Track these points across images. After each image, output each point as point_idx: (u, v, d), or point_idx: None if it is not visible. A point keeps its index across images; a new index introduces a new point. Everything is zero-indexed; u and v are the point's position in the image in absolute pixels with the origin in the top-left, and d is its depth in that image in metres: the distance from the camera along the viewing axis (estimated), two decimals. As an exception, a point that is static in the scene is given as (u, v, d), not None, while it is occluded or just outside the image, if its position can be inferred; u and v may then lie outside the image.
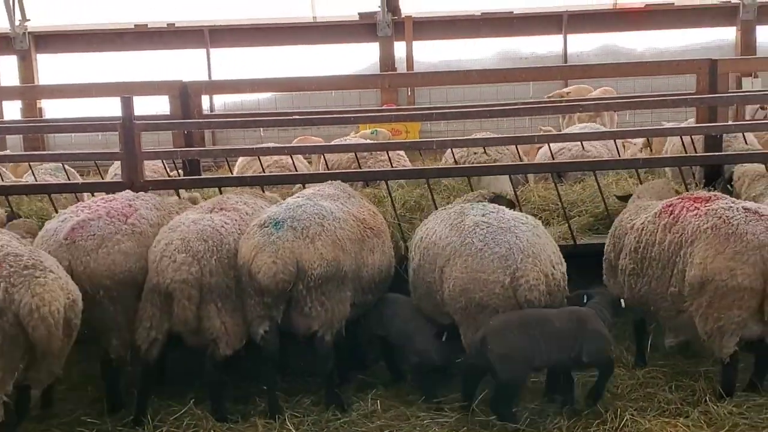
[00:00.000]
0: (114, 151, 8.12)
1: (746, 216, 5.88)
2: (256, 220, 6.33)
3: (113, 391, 6.39)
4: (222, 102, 19.27)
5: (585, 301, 6.21)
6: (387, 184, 8.17)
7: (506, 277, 5.83)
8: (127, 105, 7.65)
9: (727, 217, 5.90)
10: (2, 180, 9.63)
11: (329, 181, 7.29)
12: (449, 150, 9.75)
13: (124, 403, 6.40)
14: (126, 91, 8.40)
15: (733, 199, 6.37)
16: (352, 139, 11.50)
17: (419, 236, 6.62)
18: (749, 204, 6.17)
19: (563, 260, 6.16)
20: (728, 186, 7.67)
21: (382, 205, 7.98)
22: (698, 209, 6.10)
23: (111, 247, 6.15)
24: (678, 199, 6.45)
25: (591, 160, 8.99)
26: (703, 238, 5.88)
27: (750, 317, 5.82)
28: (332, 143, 10.89)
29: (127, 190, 7.17)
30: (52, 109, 19.09)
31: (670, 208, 6.29)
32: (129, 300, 6.21)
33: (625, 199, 7.30)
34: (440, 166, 9.30)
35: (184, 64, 20.29)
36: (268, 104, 18.71)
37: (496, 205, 6.55)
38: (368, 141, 11.61)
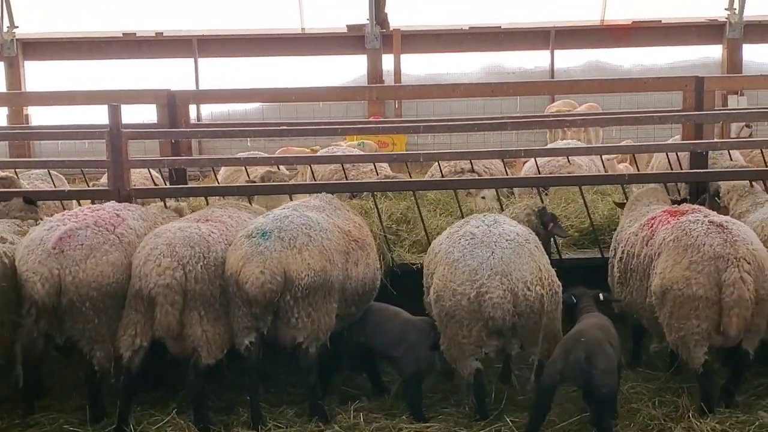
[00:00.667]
0: (101, 159, 8.09)
1: (708, 228, 6.04)
2: (243, 230, 6.34)
3: (96, 402, 6.34)
4: (209, 111, 19.22)
5: (575, 302, 6.28)
6: (374, 196, 8.17)
7: (473, 290, 5.86)
8: (114, 113, 7.64)
9: (689, 229, 6.07)
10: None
11: (316, 193, 7.32)
12: (435, 163, 9.80)
13: (107, 413, 6.37)
14: (113, 99, 8.40)
15: (708, 212, 6.50)
16: (339, 148, 11.51)
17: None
18: (717, 218, 6.30)
19: (551, 283, 6.10)
20: (716, 199, 7.72)
21: (369, 216, 7.98)
22: (669, 222, 6.30)
23: (99, 257, 6.10)
24: (662, 211, 6.61)
25: (577, 175, 9.04)
26: (666, 250, 6.09)
27: (712, 328, 5.89)
28: (318, 154, 10.91)
29: (112, 201, 7.16)
30: (39, 116, 18.99)
31: (651, 221, 6.52)
32: (114, 311, 6.17)
33: (622, 205, 7.41)
34: (427, 179, 9.30)
35: (172, 73, 20.22)
36: (255, 114, 18.67)
37: (504, 219, 6.58)
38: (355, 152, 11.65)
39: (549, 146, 11.64)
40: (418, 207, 8.07)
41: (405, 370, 6.40)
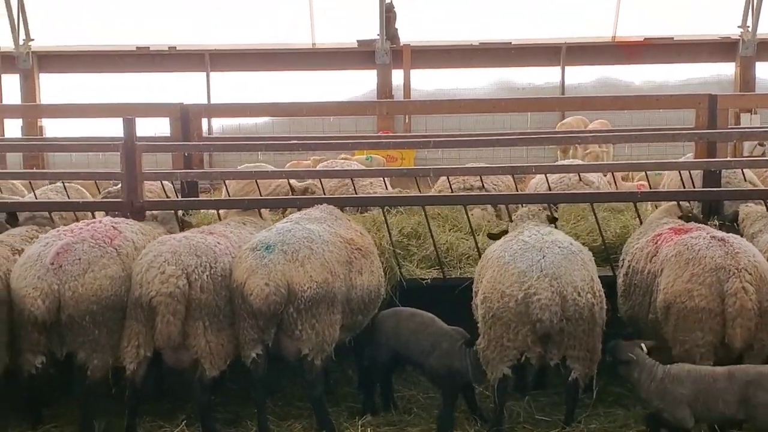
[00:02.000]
0: (115, 171, 8.12)
1: (709, 243, 6.07)
2: (247, 243, 6.36)
3: (87, 416, 6.20)
4: (220, 125, 19.32)
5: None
6: (383, 210, 8.18)
7: (520, 292, 5.84)
8: (129, 126, 7.66)
9: (691, 244, 6.11)
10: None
11: (316, 205, 7.35)
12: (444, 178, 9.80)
13: (113, 425, 6.36)
14: (127, 112, 8.41)
15: (711, 230, 6.54)
16: (341, 163, 11.57)
17: None
18: (719, 233, 6.34)
19: (602, 296, 6.07)
20: (734, 225, 7.67)
21: (379, 230, 7.98)
22: (672, 239, 6.34)
23: (98, 271, 6.05)
24: (667, 229, 6.65)
25: (588, 192, 9.01)
26: (668, 266, 6.11)
27: (717, 340, 5.88)
28: (328, 168, 10.92)
29: (108, 216, 7.17)
30: (53, 128, 19.11)
31: (657, 238, 6.55)
32: (114, 323, 6.12)
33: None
34: (436, 194, 9.29)
35: (185, 87, 20.35)
36: (265, 128, 18.74)
37: (559, 231, 6.63)
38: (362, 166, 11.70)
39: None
40: (428, 222, 8.06)
41: (436, 377, 6.42)
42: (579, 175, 9.51)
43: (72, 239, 6.19)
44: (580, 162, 10.43)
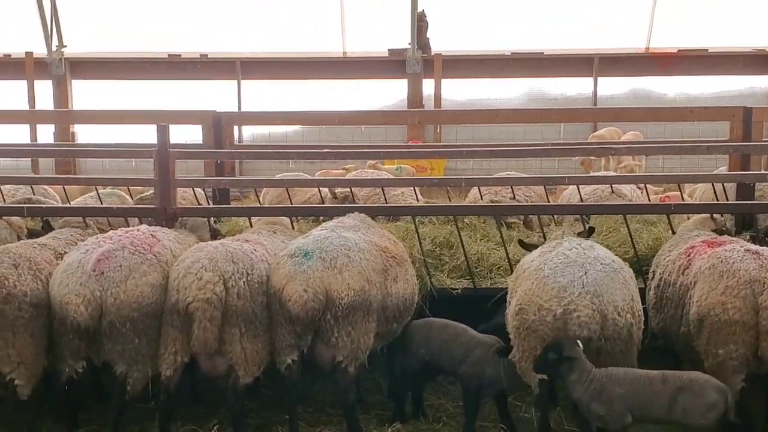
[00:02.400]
0: (148, 178, 8.18)
1: (743, 255, 6.03)
2: (284, 250, 6.38)
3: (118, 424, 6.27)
4: (250, 133, 19.38)
5: None
6: (414, 220, 8.17)
7: (560, 307, 5.79)
8: (162, 133, 7.72)
9: (725, 257, 6.07)
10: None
11: (348, 213, 7.37)
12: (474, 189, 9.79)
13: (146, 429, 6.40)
14: (160, 119, 8.49)
15: (746, 243, 6.49)
16: (367, 172, 11.61)
17: None
18: (753, 246, 6.29)
19: (641, 317, 6.02)
20: (767, 239, 7.59)
21: (410, 240, 7.99)
22: (705, 252, 6.30)
23: (138, 278, 6.10)
24: (700, 241, 6.62)
25: (621, 203, 8.95)
26: (701, 279, 6.07)
27: (750, 353, 5.82)
28: (359, 177, 10.94)
29: (143, 224, 7.22)
30: (85, 134, 19.30)
31: (690, 251, 6.52)
32: (153, 331, 6.15)
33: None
34: (468, 204, 9.27)
35: (215, 95, 20.48)
36: (295, 137, 18.81)
37: (599, 246, 6.54)
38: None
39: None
40: (459, 232, 8.05)
41: (469, 386, 6.42)
42: (611, 187, 9.46)
43: (112, 246, 6.25)
44: (613, 173, 10.33)
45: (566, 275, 5.90)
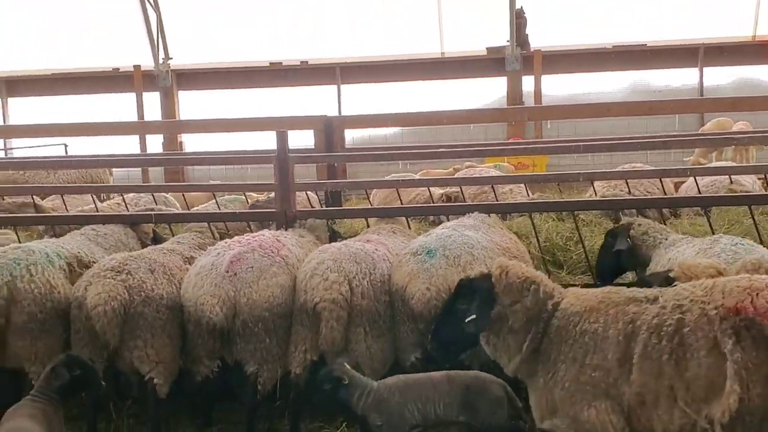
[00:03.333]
0: (268, 183, 8.37)
1: None
2: (406, 249, 6.44)
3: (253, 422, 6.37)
4: (350, 137, 19.61)
5: None
6: (531, 217, 8.14)
7: None
8: (282, 138, 7.89)
9: None
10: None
11: (467, 213, 7.37)
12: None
13: (276, 427, 6.55)
14: (272, 125, 8.72)
15: None
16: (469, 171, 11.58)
17: None
18: None
19: None
20: None
21: (528, 237, 7.95)
22: None
23: (269, 279, 6.21)
24: None
25: (746, 194, 8.69)
26: None
27: None
28: (467, 176, 10.94)
29: (264, 230, 7.39)
30: (191, 143, 19.91)
31: None
32: (283, 331, 6.25)
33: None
34: (584, 199, 9.17)
35: (314, 100, 20.83)
36: (394, 138, 18.98)
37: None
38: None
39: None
40: (578, 228, 7.96)
41: None
42: (730, 178, 9.22)
43: (243, 249, 6.40)
44: (733, 164, 10.06)
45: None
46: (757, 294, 4.14)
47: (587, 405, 4.51)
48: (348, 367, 5.64)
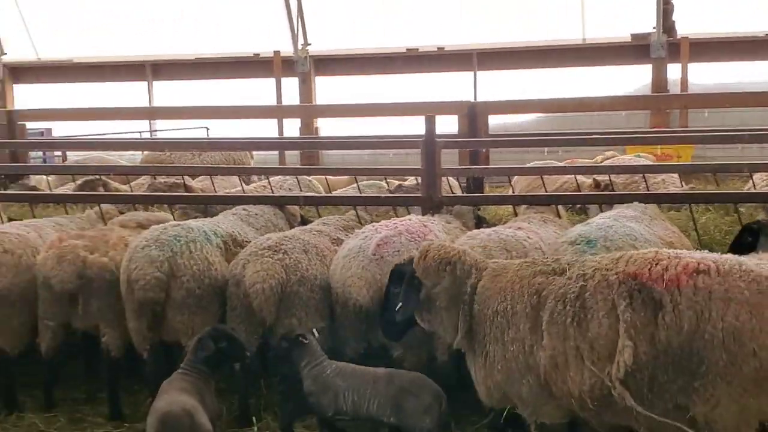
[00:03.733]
0: (415, 167, 8.32)
1: None
2: (563, 237, 6.27)
3: None
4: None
5: None
6: (690, 208, 7.80)
7: None
8: (430, 123, 7.82)
9: None
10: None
11: (627, 204, 7.12)
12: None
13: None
14: (415, 110, 8.65)
15: None
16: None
17: None
18: None
19: None
20: None
21: (684, 230, 7.62)
22: None
23: None
24: None
25: None
26: None
27: None
28: (615, 164, 10.61)
29: (412, 215, 7.33)
30: (325, 128, 20.17)
31: None
32: None
33: None
34: (745, 191, 8.72)
35: (449, 87, 20.71)
36: (529, 126, 18.65)
37: None
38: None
39: None
40: (740, 219, 7.56)
41: None
42: None
43: (390, 232, 6.41)
44: None
45: None
46: (657, 263, 4.48)
47: (519, 382, 4.87)
48: (316, 335, 5.90)
